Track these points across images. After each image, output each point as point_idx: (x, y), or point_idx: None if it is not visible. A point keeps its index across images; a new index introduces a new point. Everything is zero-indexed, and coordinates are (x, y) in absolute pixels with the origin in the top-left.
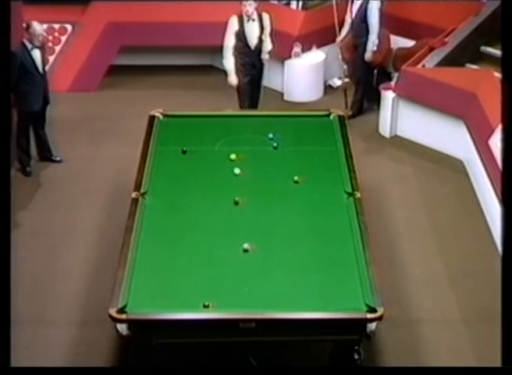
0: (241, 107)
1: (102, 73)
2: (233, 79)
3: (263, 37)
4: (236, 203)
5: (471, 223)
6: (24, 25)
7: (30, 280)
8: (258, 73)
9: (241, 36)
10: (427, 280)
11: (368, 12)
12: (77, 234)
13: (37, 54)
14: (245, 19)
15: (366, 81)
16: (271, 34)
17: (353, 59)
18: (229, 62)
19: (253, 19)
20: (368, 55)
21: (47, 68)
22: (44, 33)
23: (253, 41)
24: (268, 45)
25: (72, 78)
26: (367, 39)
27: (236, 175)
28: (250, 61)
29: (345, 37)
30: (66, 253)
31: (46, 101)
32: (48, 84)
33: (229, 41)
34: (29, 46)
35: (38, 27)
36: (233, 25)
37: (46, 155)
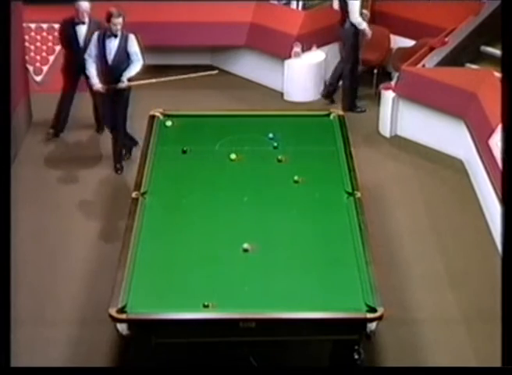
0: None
1: None
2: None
3: None
4: (236, 203)
5: (471, 222)
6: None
7: (29, 280)
8: None
9: None
10: (427, 280)
11: (132, 49)
12: (77, 234)
13: (81, 29)
14: None
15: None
16: None
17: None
18: None
19: None
20: (122, 85)
21: (46, 68)
22: (88, 10)
23: None
24: None
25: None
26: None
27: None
28: None
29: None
30: (66, 253)
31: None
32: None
33: None
34: (76, 21)
35: (83, 4)
36: None
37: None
